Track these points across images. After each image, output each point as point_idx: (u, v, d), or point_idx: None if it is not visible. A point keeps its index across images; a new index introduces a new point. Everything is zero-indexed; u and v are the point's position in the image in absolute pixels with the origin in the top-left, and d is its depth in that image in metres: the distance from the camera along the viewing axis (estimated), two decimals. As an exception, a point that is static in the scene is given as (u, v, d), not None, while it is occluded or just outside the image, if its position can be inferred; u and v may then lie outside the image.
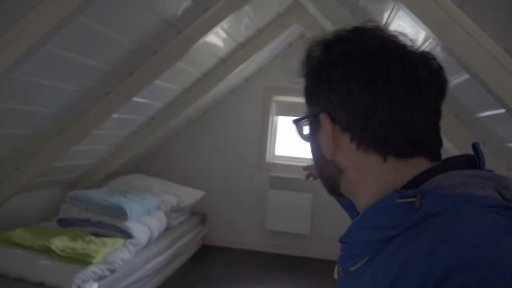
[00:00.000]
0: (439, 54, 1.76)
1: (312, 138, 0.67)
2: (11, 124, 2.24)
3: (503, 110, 1.67)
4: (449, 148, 2.58)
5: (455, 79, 1.79)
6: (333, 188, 0.67)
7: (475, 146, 0.62)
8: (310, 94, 0.66)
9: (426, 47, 1.83)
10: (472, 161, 0.61)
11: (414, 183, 0.57)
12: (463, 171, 0.58)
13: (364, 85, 0.59)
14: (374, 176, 0.61)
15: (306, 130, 0.69)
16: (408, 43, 0.62)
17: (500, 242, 0.44)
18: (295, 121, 0.69)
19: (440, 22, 1.35)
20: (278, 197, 4.19)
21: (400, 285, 0.46)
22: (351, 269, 0.61)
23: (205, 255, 4.17)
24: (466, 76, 1.61)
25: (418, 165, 0.59)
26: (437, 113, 0.61)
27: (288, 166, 4.34)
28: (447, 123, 2.19)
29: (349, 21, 2.31)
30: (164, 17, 2.26)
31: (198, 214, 4.30)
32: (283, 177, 4.20)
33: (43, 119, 2.40)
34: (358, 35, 0.62)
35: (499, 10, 1.24)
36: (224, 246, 4.40)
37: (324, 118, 0.62)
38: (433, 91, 0.60)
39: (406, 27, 1.97)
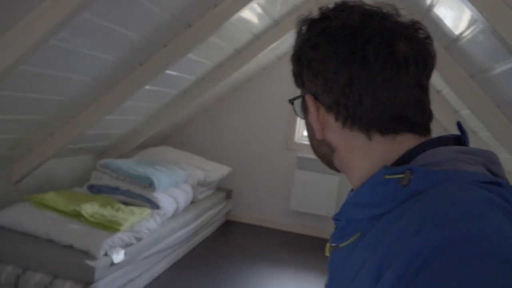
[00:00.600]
0: (484, 40, 1.68)
1: (304, 117, 0.68)
2: (48, 90, 2.29)
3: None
4: (487, 138, 2.48)
5: (501, 66, 1.71)
6: (330, 165, 0.69)
7: (459, 124, 0.63)
8: (296, 76, 0.67)
9: (472, 31, 1.75)
10: (458, 138, 0.61)
11: (404, 160, 0.58)
12: (450, 147, 0.58)
13: (341, 65, 0.59)
14: (363, 154, 0.61)
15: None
16: (394, 13, 0.61)
17: (488, 218, 0.43)
18: (290, 101, 0.69)
19: (487, 1, 1.28)
20: (305, 178, 4.18)
21: (389, 263, 0.46)
22: (341, 245, 0.62)
23: (229, 230, 4.23)
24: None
25: (405, 141, 0.59)
26: (422, 88, 0.60)
27: (317, 147, 4.29)
28: (488, 114, 2.10)
29: None
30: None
31: (224, 190, 4.34)
32: (311, 158, 4.17)
33: (78, 86, 2.45)
34: (338, 12, 0.61)
35: None
36: (247, 222, 4.44)
37: (309, 100, 0.63)
38: (413, 66, 0.58)
39: (451, 9, 1.89)
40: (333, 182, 4.11)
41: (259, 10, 2.94)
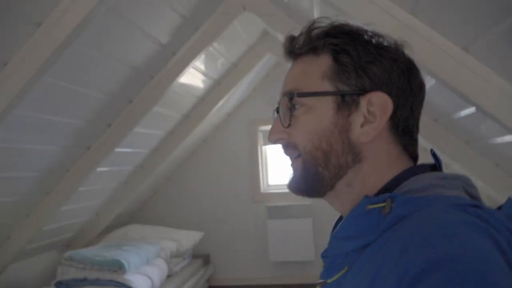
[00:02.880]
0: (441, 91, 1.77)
1: (331, 115, 0.63)
2: (-7, 193, 2.21)
3: (473, 109, 1.67)
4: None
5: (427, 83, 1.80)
6: (326, 183, 0.64)
7: (433, 152, 0.66)
8: (351, 71, 0.63)
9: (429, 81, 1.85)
10: (434, 166, 0.64)
11: (386, 189, 0.59)
12: (431, 173, 0.60)
13: (419, 85, 0.65)
14: (381, 171, 0.62)
15: (304, 108, 0.65)
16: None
17: (468, 240, 0.44)
18: (298, 94, 0.64)
19: (394, 30, 1.37)
20: (278, 226, 4.13)
21: None
22: (329, 281, 0.61)
23: (212, 298, 4.07)
24: (433, 80, 1.62)
25: (403, 166, 0.63)
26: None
27: (284, 193, 4.30)
28: (427, 127, 2.18)
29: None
30: (134, 65, 2.28)
31: (201, 256, 4.21)
32: (280, 205, 4.16)
33: (26, 183, 2.38)
34: (375, 35, 0.66)
35: (451, 11, 1.26)
36: (230, 284, 4.29)
37: (385, 98, 0.61)
38: (423, 94, 0.67)
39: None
40: (306, 225, 4.08)
41: (198, 74, 3.02)
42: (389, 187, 0.59)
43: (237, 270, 4.33)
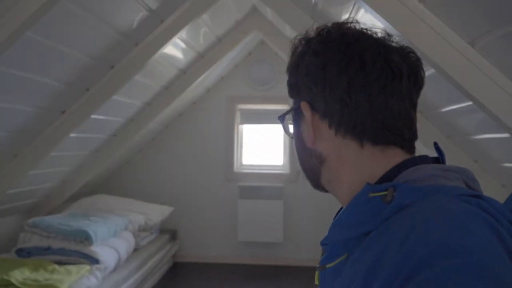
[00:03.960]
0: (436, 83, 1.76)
1: (295, 129, 0.69)
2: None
3: (465, 104, 1.68)
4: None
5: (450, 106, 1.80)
6: (316, 181, 0.69)
7: (436, 145, 0.66)
8: (292, 86, 0.68)
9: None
10: (437, 159, 0.65)
11: (388, 177, 0.59)
12: (432, 165, 0.60)
13: (340, 71, 0.61)
14: (353, 165, 0.63)
15: (291, 125, 0.70)
16: (386, 37, 0.64)
17: (470, 230, 0.44)
18: (280, 117, 0.71)
19: (403, 18, 1.34)
20: (249, 206, 4.12)
21: (375, 279, 0.46)
22: (328, 266, 0.62)
23: (177, 273, 4.04)
24: (428, 72, 1.62)
25: (393, 156, 0.61)
26: (412, 103, 0.63)
27: (257, 174, 4.29)
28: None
29: (309, 25, 2.29)
30: (120, 29, 2.17)
31: (168, 231, 4.17)
32: (253, 186, 4.15)
33: (-7, 143, 2.25)
34: (336, 27, 0.65)
35: (461, 5, 1.24)
36: (196, 261, 4.28)
37: (304, 106, 0.64)
38: (406, 78, 0.61)
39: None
40: (277, 206, 4.10)
41: (183, 45, 2.92)
42: (390, 176, 0.59)
43: (204, 247, 4.32)
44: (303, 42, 0.66)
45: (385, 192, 0.54)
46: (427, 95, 1.98)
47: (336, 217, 0.64)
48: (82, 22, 1.90)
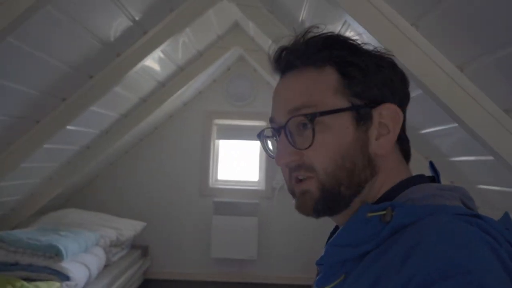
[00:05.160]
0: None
1: (351, 131, 0.60)
2: None
3: (444, 127, 1.73)
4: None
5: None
6: (345, 202, 0.61)
7: (432, 164, 0.68)
8: (361, 83, 0.62)
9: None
10: (432, 177, 0.65)
11: (386, 197, 0.59)
12: (430, 184, 0.60)
13: (404, 86, 0.66)
14: (389, 180, 0.62)
15: (322, 125, 0.61)
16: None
17: (472, 250, 0.44)
18: (322, 113, 0.60)
19: (394, 39, 1.36)
20: (223, 222, 4.06)
21: None
22: None
23: (148, 291, 3.92)
24: (415, 93, 1.65)
25: (405, 171, 0.64)
26: None
27: (232, 190, 4.25)
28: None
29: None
30: (102, 39, 2.12)
31: (139, 247, 4.05)
32: (227, 201, 4.10)
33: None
34: (365, 44, 0.66)
35: (453, 30, 1.27)
36: (168, 278, 4.16)
37: (394, 109, 0.62)
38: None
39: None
40: (251, 223, 4.05)
41: (163, 57, 2.88)
42: (389, 195, 0.59)
43: (176, 264, 4.21)
44: (345, 42, 0.65)
45: (384, 212, 0.54)
46: (408, 116, 2.03)
47: (333, 237, 0.62)
48: (65, 29, 1.84)
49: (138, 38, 2.37)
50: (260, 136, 0.70)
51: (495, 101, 1.31)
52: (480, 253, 0.44)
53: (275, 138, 0.68)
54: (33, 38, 1.74)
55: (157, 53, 2.60)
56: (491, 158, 1.47)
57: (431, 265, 0.43)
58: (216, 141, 4.37)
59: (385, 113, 0.61)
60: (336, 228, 0.71)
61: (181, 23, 2.41)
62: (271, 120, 0.67)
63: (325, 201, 0.60)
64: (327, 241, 0.69)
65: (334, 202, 0.61)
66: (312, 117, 0.59)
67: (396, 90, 0.63)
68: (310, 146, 0.59)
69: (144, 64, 2.60)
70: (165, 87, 3.33)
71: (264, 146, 0.70)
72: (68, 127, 2.55)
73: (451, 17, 1.19)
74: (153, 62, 2.82)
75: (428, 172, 0.66)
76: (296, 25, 2.16)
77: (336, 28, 1.86)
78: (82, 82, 2.35)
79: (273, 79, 3.57)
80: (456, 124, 1.46)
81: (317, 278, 0.65)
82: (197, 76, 3.35)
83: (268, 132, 0.69)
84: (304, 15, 2.02)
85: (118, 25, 2.12)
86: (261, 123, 4.20)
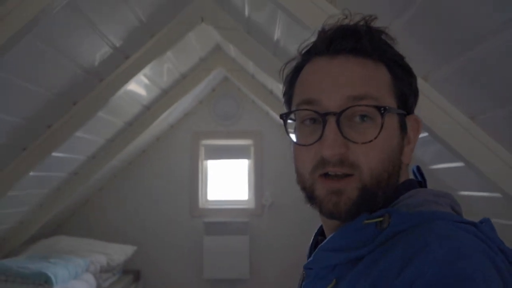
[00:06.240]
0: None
1: (398, 135, 0.60)
2: None
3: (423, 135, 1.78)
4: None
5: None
6: (376, 208, 0.57)
7: (419, 168, 0.66)
8: (406, 86, 0.62)
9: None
10: (419, 182, 0.65)
11: (384, 203, 0.58)
12: (424, 190, 0.60)
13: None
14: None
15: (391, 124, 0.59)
16: None
17: (474, 261, 0.44)
18: (391, 110, 0.58)
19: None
20: (214, 243, 4.06)
21: None
22: None
23: (141, 316, 3.88)
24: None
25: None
26: None
27: (222, 210, 4.26)
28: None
29: (272, 62, 2.37)
30: (84, 66, 2.16)
31: (131, 272, 4.02)
32: (218, 221, 4.10)
33: None
34: None
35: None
36: (161, 302, 4.13)
37: (415, 117, 0.63)
38: None
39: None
40: (243, 242, 4.05)
41: (146, 81, 2.93)
42: (386, 201, 0.58)
43: (169, 287, 4.18)
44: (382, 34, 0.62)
45: (381, 219, 0.54)
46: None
47: (324, 242, 0.60)
48: (46, 57, 1.88)
49: (120, 64, 2.42)
50: (285, 118, 0.63)
51: (460, 108, 1.37)
52: (480, 262, 0.44)
53: (311, 122, 0.60)
54: (16, 67, 1.78)
55: (140, 77, 2.66)
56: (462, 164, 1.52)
57: (431, 272, 0.43)
58: (204, 161, 4.40)
59: (410, 123, 0.62)
60: (320, 232, 0.70)
61: (162, 47, 2.47)
62: (311, 102, 0.59)
63: (363, 202, 0.56)
64: (312, 245, 0.69)
65: (367, 207, 0.56)
66: (384, 111, 0.56)
67: (416, 99, 0.64)
68: (370, 141, 0.55)
69: (128, 89, 2.65)
70: (150, 110, 3.38)
71: (287, 130, 0.63)
72: (54, 153, 2.57)
73: (414, 31, 1.25)
74: (137, 86, 2.87)
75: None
76: (272, 45, 2.23)
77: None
78: (66, 108, 2.38)
79: (256, 97, 3.64)
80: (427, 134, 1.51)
81: (302, 283, 0.64)
82: (181, 98, 3.40)
83: (302, 115, 0.61)
84: (279, 34, 2.09)
85: (99, 52, 2.17)
86: (248, 142, 4.24)
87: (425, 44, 1.31)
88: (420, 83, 1.35)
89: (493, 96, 1.26)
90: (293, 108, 0.62)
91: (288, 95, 0.66)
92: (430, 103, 1.39)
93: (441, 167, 1.98)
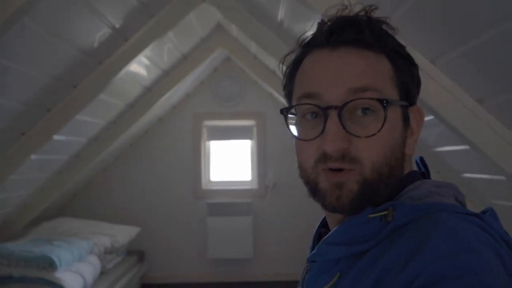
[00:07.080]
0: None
1: (400, 129, 0.59)
2: None
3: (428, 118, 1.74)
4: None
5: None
6: (378, 201, 0.56)
7: (422, 159, 0.65)
8: (408, 77, 0.60)
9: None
10: (422, 173, 0.65)
11: (388, 195, 0.58)
12: (427, 181, 0.59)
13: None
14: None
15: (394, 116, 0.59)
16: None
17: (479, 253, 0.44)
18: (393, 102, 0.57)
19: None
20: (218, 223, 4.09)
21: None
22: None
23: (146, 295, 3.93)
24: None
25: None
26: None
27: (225, 191, 4.27)
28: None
29: (276, 43, 2.32)
30: (83, 48, 2.12)
31: (135, 252, 4.05)
32: (221, 202, 4.12)
33: None
34: None
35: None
36: (166, 282, 4.18)
37: (418, 108, 0.62)
38: None
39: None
40: (246, 222, 4.08)
41: (147, 62, 2.88)
42: (391, 193, 0.58)
43: (173, 267, 4.22)
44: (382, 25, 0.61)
45: (385, 212, 0.53)
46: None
47: (328, 235, 0.60)
48: (45, 41, 1.84)
49: (120, 45, 2.37)
50: (285, 113, 0.62)
51: (467, 91, 1.33)
52: (484, 255, 0.44)
53: (313, 116, 0.59)
54: (12, 51, 1.74)
55: (141, 58, 2.61)
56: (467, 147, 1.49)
57: (435, 265, 0.43)
58: (207, 142, 4.38)
59: (413, 114, 0.61)
60: (323, 224, 0.69)
61: (162, 27, 2.41)
62: (312, 96, 0.58)
63: (365, 196, 0.55)
64: (315, 237, 0.69)
65: (369, 201, 0.56)
66: (387, 104, 0.55)
67: (419, 89, 0.63)
68: (373, 135, 0.55)
69: (129, 70, 2.61)
70: (151, 91, 3.34)
71: (288, 125, 0.62)
72: (55, 137, 2.55)
73: (422, 14, 1.21)
74: (138, 67, 2.83)
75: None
76: (275, 26, 2.17)
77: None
78: (66, 91, 2.35)
79: (258, 78, 3.59)
80: (432, 117, 1.47)
81: (306, 276, 0.64)
82: (183, 79, 3.36)
83: (303, 109, 0.60)
84: (283, 14, 2.03)
85: (98, 33, 2.12)
86: (250, 122, 4.22)
87: (432, 27, 1.26)
88: (428, 66, 1.34)
89: (501, 80, 1.22)
90: (294, 102, 0.62)
91: (288, 89, 0.65)
92: (438, 86, 1.36)
93: (445, 149, 1.96)
